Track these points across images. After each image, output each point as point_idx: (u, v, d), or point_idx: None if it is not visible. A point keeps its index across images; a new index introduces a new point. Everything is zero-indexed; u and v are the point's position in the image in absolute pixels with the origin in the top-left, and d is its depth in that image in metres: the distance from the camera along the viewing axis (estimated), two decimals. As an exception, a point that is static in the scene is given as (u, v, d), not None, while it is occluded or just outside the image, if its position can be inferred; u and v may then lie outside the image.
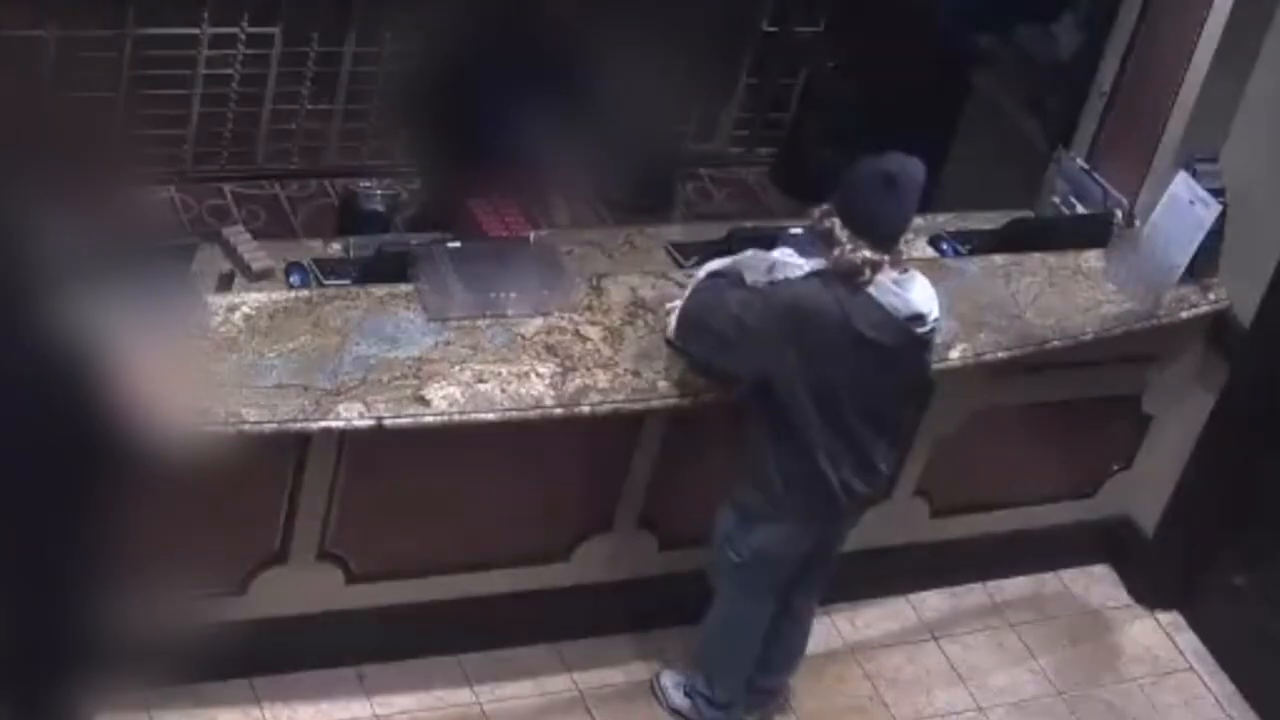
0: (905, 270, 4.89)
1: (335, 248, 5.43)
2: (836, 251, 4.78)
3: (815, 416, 4.85)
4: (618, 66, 6.06)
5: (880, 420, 4.96)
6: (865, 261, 4.75)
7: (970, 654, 5.98)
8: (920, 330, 4.87)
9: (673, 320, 5.02)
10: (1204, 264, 5.79)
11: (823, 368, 4.82)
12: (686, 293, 5.04)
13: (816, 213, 4.85)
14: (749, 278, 4.96)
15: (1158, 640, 6.19)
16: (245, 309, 4.90)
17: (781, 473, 4.95)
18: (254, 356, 4.77)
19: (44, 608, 4.20)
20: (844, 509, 5.06)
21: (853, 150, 6.90)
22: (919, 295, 4.86)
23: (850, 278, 4.77)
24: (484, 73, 5.75)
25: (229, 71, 6.64)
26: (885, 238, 4.80)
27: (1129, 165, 5.97)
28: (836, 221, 4.78)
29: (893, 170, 4.81)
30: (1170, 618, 6.26)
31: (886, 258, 4.79)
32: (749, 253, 5.04)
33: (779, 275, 4.93)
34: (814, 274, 4.86)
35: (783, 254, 5.00)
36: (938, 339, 5.11)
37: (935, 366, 5.34)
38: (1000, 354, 5.48)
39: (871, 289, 4.78)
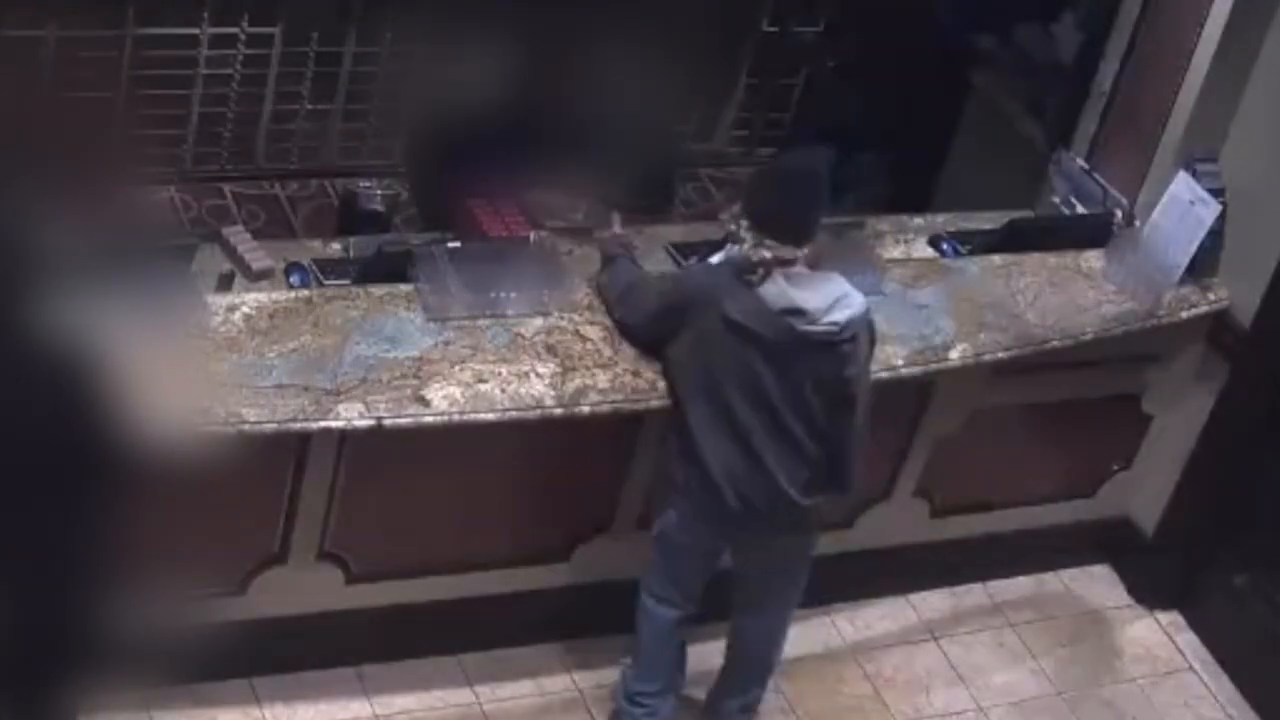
0: (821, 270, 4.80)
1: (335, 248, 5.43)
2: (736, 249, 4.81)
3: (706, 416, 4.80)
4: (617, 66, 6.06)
5: (786, 435, 4.82)
6: (763, 261, 4.74)
7: (970, 654, 5.98)
8: (802, 327, 4.74)
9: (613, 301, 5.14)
10: (1204, 264, 5.80)
11: (706, 354, 4.79)
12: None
13: (725, 215, 4.89)
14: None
15: (1158, 640, 6.19)
16: (245, 309, 4.90)
17: (683, 469, 4.93)
18: (254, 356, 4.77)
19: (44, 608, 4.19)
20: (744, 521, 4.92)
21: (853, 150, 6.93)
22: (812, 292, 4.75)
23: (746, 274, 4.77)
24: (484, 73, 5.75)
25: (229, 71, 6.63)
26: (791, 234, 4.75)
27: (1129, 165, 5.97)
28: (743, 222, 4.79)
29: (792, 166, 4.89)
30: (1170, 618, 6.26)
31: (799, 254, 4.75)
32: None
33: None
34: (722, 263, 4.93)
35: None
36: (866, 349, 4.91)
37: (935, 366, 5.35)
38: (1000, 354, 5.48)
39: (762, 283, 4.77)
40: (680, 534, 5.05)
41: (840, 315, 4.78)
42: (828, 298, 4.77)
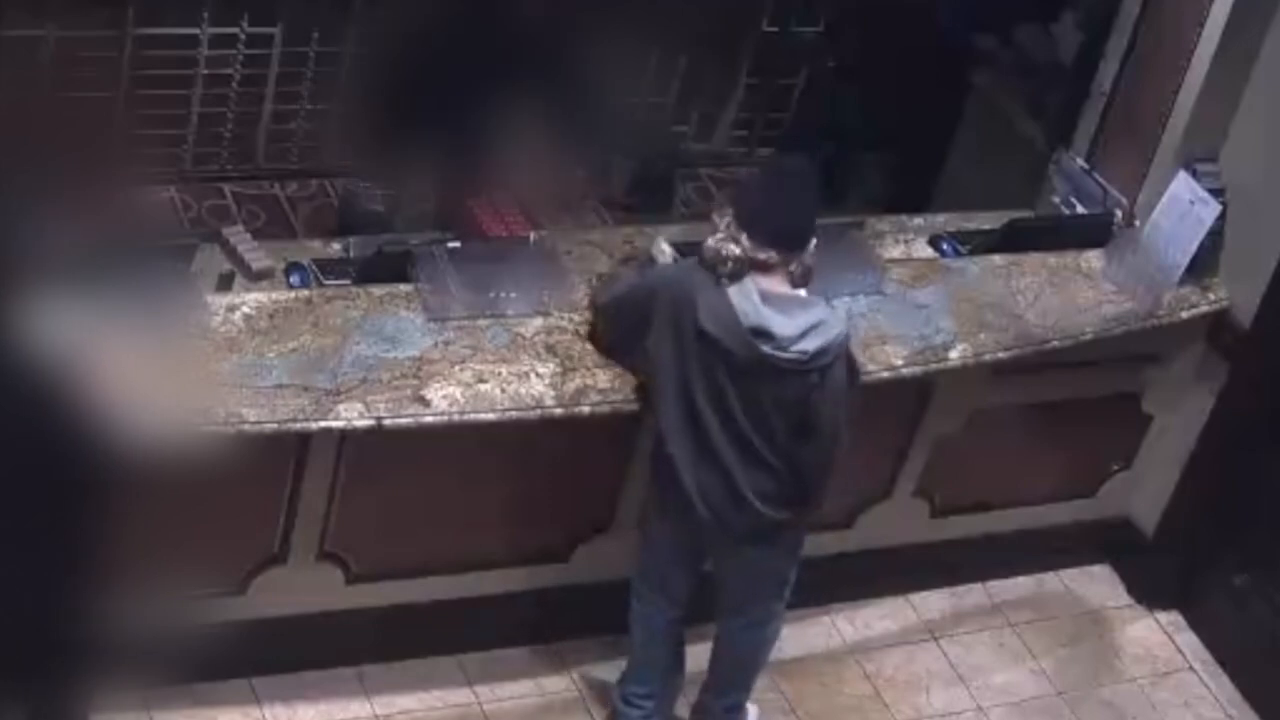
0: (801, 292, 4.74)
1: (335, 248, 5.44)
2: (709, 240, 4.74)
3: (676, 417, 4.77)
4: (618, 66, 6.06)
5: (749, 447, 4.77)
6: (733, 255, 4.67)
7: (970, 654, 5.98)
8: (767, 349, 4.66)
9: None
10: (1204, 264, 5.80)
11: (680, 358, 4.74)
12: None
13: (714, 208, 4.87)
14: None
15: (1158, 640, 6.19)
16: (245, 309, 4.90)
17: (657, 471, 4.93)
18: (254, 356, 4.77)
19: (42, 608, 4.19)
20: (712, 529, 4.89)
21: (853, 150, 6.93)
22: (786, 317, 4.67)
23: (713, 267, 4.71)
24: (484, 73, 5.75)
25: (229, 71, 6.63)
26: (769, 235, 4.68)
27: (1129, 165, 5.97)
28: (728, 217, 4.72)
29: (779, 168, 4.91)
30: (1170, 618, 6.26)
31: (773, 257, 4.69)
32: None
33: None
34: (690, 259, 4.90)
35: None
36: (842, 377, 4.79)
37: (935, 366, 5.35)
38: (1000, 354, 5.48)
39: (733, 287, 4.69)
40: (660, 536, 5.07)
41: (810, 344, 4.69)
42: (800, 325, 4.69)
